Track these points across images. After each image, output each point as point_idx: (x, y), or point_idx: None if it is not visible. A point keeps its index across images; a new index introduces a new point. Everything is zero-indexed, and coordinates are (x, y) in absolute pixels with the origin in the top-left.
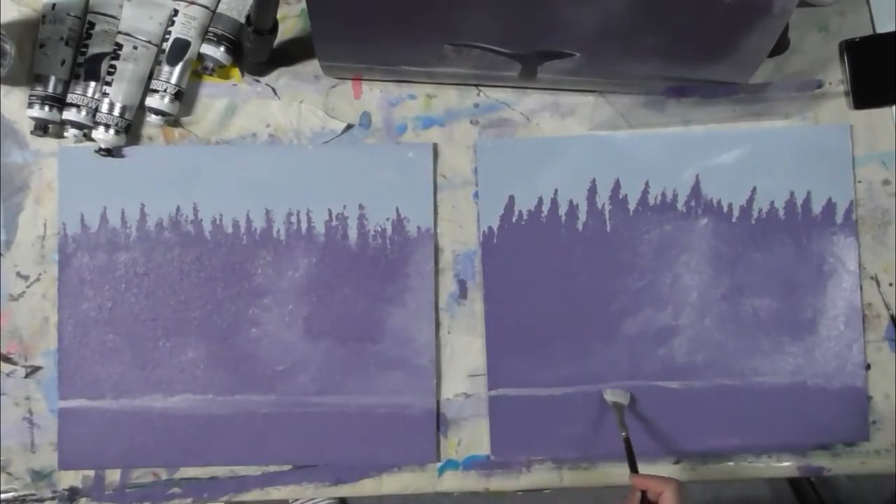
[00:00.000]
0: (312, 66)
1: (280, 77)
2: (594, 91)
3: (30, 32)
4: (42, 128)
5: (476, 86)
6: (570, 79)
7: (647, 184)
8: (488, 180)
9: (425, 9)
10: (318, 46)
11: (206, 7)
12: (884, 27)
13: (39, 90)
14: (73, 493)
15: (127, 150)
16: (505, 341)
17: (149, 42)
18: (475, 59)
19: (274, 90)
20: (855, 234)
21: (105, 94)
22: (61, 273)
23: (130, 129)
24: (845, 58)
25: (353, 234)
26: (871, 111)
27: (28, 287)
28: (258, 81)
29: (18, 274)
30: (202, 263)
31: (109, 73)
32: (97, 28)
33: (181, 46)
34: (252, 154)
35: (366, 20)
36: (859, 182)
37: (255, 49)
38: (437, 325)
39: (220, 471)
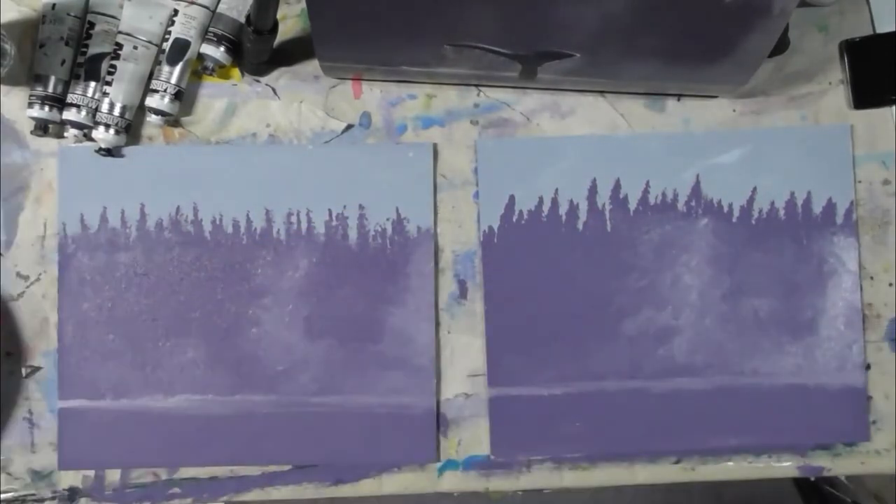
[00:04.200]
0: (312, 66)
1: (280, 77)
2: (594, 91)
3: (30, 32)
4: (42, 128)
5: (476, 86)
6: (571, 79)
7: (647, 184)
8: (488, 180)
9: (425, 9)
10: (318, 46)
11: (206, 7)
12: (884, 27)
13: (39, 90)
14: (73, 493)
15: (127, 150)
16: (505, 341)
17: (149, 42)
18: (475, 60)
19: (274, 90)
20: (855, 234)
21: (105, 94)
22: (61, 273)
23: (130, 129)
24: (845, 58)
25: (353, 234)
26: (871, 111)
27: (28, 287)
28: (258, 81)
29: (18, 274)
30: (202, 263)
31: (109, 73)
32: (97, 28)
33: (181, 46)
34: (252, 154)
35: (366, 20)
36: (859, 182)
37: (255, 49)
38: (437, 325)
39: (220, 471)
